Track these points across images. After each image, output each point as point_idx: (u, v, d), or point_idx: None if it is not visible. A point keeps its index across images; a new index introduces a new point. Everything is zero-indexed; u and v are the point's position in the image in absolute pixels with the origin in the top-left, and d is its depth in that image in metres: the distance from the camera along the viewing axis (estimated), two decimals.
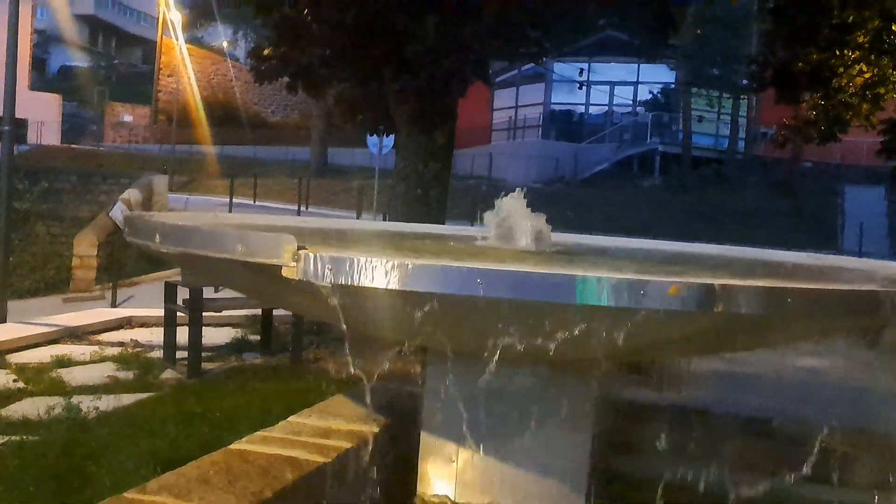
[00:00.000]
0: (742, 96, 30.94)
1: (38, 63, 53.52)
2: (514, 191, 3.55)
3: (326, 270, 2.02)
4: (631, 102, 33.07)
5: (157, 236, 2.30)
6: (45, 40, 57.32)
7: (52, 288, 14.46)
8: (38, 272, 14.48)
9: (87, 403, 4.74)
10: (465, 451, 3.06)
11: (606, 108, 33.38)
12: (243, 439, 3.11)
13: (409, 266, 2.02)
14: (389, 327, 2.30)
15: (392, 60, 6.43)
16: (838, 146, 27.17)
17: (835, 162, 29.30)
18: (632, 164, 30.61)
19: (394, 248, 3.10)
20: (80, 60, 56.13)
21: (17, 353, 6.45)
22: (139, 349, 6.73)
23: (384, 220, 12.13)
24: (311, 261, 2.03)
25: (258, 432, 3.16)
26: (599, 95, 33.39)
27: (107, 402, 4.81)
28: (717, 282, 2.11)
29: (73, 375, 5.70)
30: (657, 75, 32.12)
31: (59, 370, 5.88)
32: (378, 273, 2.00)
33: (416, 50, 6.15)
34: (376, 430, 3.34)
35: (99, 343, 7.00)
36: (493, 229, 3.42)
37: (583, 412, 3.15)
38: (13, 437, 4.04)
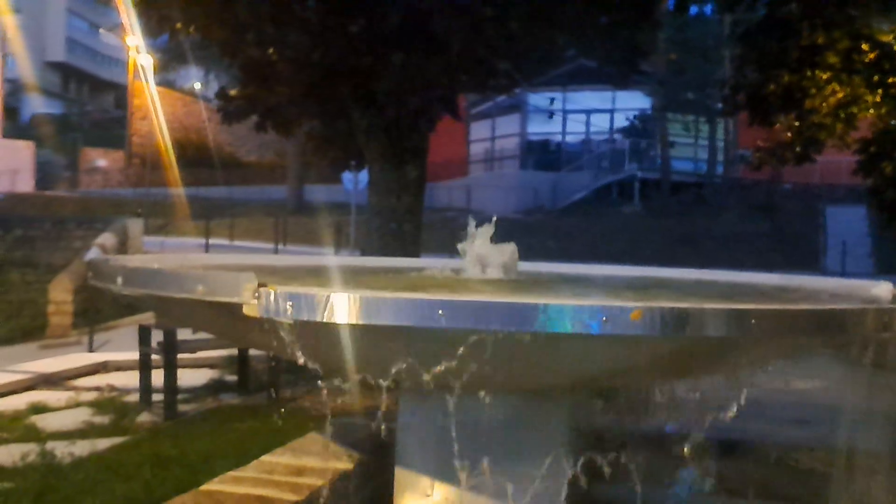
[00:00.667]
0: (719, 120, 31.34)
1: (10, 112, 53.38)
2: (484, 222, 3.57)
3: (287, 306, 2.02)
4: (608, 130, 33.40)
5: (120, 279, 2.29)
6: (17, 89, 57.26)
7: (28, 335, 14.24)
8: (14, 320, 14.28)
9: (61, 449, 4.68)
10: (440, 485, 3.04)
11: (583, 136, 33.68)
12: (215, 479, 3.08)
13: (369, 299, 2.02)
14: (353, 362, 2.29)
15: (359, 98, 6.48)
16: (817, 166, 27.53)
17: (815, 182, 29.65)
18: (611, 191, 30.82)
19: (358, 283, 3.10)
20: (52, 108, 56.09)
21: None
22: (115, 393, 6.66)
23: (361, 255, 12.12)
24: (271, 298, 2.03)
25: (230, 472, 3.12)
26: (576, 124, 33.74)
27: (81, 447, 4.77)
28: (679, 305, 2.12)
29: (48, 422, 5.63)
30: (633, 102, 32.47)
31: (34, 417, 5.81)
32: (339, 307, 2.00)
33: (382, 88, 6.20)
34: (350, 466, 3.32)
35: (75, 388, 6.93)
36: (462, 260, 3.44)
37: (558, 440, 3.14)
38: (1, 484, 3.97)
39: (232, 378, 6.98)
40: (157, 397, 6.11)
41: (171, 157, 37.00)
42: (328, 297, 2.01)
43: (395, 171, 6.78)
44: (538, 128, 33.12)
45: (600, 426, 3.89)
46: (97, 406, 6.11)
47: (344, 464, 3.27)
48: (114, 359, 8.13)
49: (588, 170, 31.86)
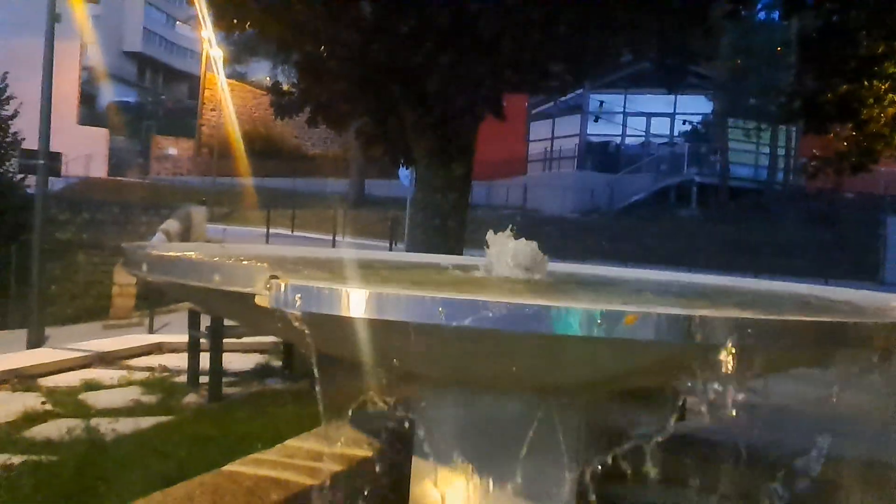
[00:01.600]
0: (781, 127, 30.70)
1: (88, 99, 55.37)
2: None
3: (296, 298, 2.15)
4: (668, 133, 32.99)
5: (145, 266, 2.45)
6: (95, 76, 59.38)
7: (92, 315, 14.85)
8: (79, 300, 14.91)
9: (106, 426, 4.92)
10: (454, 476, 3.14)
11: (643, 138, 33.34)
12: (237, 461, 3.24)
13: (371, 294, 2.13)
14: (358, 353, 2.41)
15: (409, 96, 6.62)
16: (880, 176, 26.80)
17: (877, 192, 28.83)
18: (669, 194, 30.45)
19: (380, 278, 3.22)
20: (128, 96, 58.00)
21: (49, 377, 6.68)
22: (166, 374, 6.91)
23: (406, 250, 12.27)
24: (282, 289, 2.16)
25: (252, 455, 3.28)
26: (637, 126, 33.41)
27: (125, 425, 4.99)
28: (671, 311, 2.18)
29: (99, 399, 5.89)
30: (695, 106, 32.03)
31: (86, 394, 6.08)
32: (343, 301, 2.12)
33: (430, 86, 6.32)
34: (370, 454, 3.44)
35: (129, 368, 7.19)
36: (487, 259, 3.52)
37: (572, 438, 3.21)
38: (33, 457, 4.22)
39: (279, 363, 7.19)
40: (204, 379, 6.33)
41: (239, 147, 37.95)
42: (333, 290, 2.14)
43: (441, 168, 6.91)
44: (598, 129, 32.91)
45: (618, 426, 3.94)
46: (147, 386, 6.36)
47: (364, 451, 3.39)
48: (169, 341, 8.42)
49: (647, 172, 31.55)
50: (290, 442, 3.51)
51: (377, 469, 3.44)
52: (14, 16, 34.38)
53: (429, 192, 7.00)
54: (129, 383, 6.50)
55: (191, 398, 6.05)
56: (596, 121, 30.73)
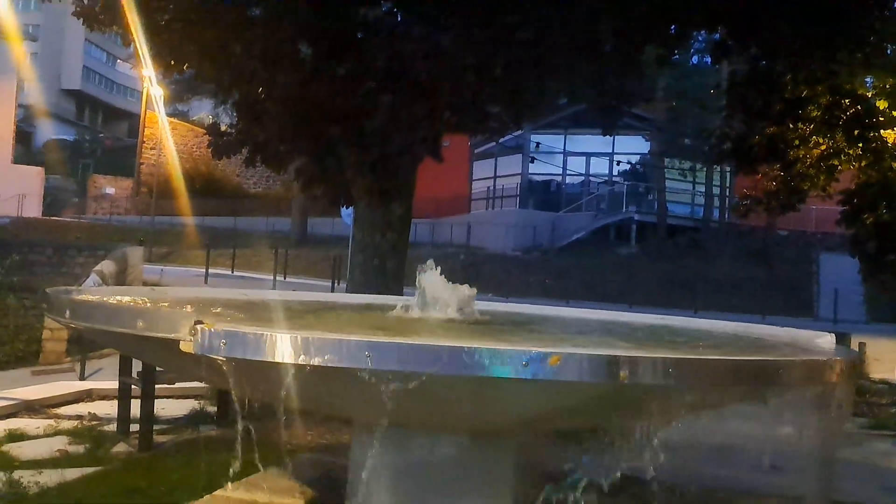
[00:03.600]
0: (716, 167, 31.69)
1: (24, 136, 54.18)
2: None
3: (220, 344, 2.12)
4: (607, 173, 33.73)
5: (67, 312, 2.39)
6: (32, 114, 58.18)
7: (22, 360, 14.29)
8: (9, 345, 14.33)
9: (28, 479, 4.72)
10: None
11: (583, 178, 34.02)
12: None
13: (299, 339, 2.12)
14: (286, 398, 2.38)
15: (347, 136, 6.65)
16: (812, 214, 27.78)
17: (810, 230, 29.84)
18: (609, 232, 31.05)
19: (315, 321, 3.20)
20: (66, 134, 56.90)
21: None
22: (95, 422, 6.68)
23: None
24: (207, 335, 2.13)
25: None
26: (577, 166, 34.07)
27: (50, 477, 4.79)
28: (589, 352, 2.21)
29: (23, 450, 5.64)
30: (633, 146, 32.85)
31: (9, 444, 5.83)
32: (269, 346, 2.10)
33: (368, 127, 6.37)
34: (301, 502, 3.39)
35: (56, 416, 6.93)
36: (417, 299, 3.53)
37: (502, 480, 3.21)
38: None
39: (214, 409, 7.02)
40: (135, 427, 6.14)
41: (179, 186, 37.43)
42: (261, 336, 2.12)
43: (380, 208, 6.93)
44: (539, 168, 33.48)
45: (553, 467, 3.95)
46: (75, 435, 6.12)
47: (296, 500, 3.34)
48: (100, 387, 8.14)
49: (587, 211, 32.16)
50: (219, 492, 3.44)
51: None
52: None
53: (368, 231, 7.00)
54: (57, 433, 6.25)
55: (120, 447, 5.85)
56: (532, 161, 31.35)
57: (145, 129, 42.57)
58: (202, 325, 2.15)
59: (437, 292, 3.57)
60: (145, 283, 17.61)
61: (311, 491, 3.40)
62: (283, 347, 2.14)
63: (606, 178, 33.53)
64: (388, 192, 6.85)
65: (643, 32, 7.05)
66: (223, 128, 7.38)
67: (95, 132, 61.67)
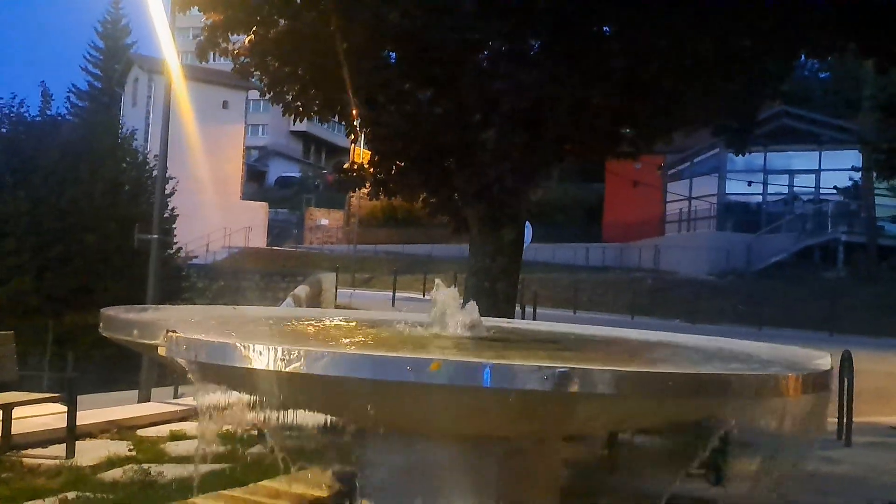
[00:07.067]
0: None
1: (258, 175, 60.45)
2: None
3: (183, 350, 2.67)
4: (813, 191, 31.54)
5: (101, 325, 3.07)
6: (266, 154, 64.59)
7: None
8: None
9: (170, 471, 5.59)
10: None
11: (785, 197, 32.05)
12: (211, 494, 3.78)
13: (239, 346, 2.62)
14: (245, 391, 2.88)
15: (461, 167, 7.15)
16: None
17: None
18: (812, 254, 28.94)
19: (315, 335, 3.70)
20: (293, 171, 62.63)
21: (146, 429, 7.54)
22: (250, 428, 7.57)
23: None
24: (174, 342, 2.69)
25: (224, 491, 3.82)
26: (779, 184, 32.23)
27: (183, 470, 5.61)
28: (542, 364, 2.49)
29: (178, 448, 6.63)
30: (841, 162, 30.45)
31: (167, 443, 6.83)
32: (208, 353, 2.62)
33: (478, 159, 6.82)
34: (324, 494, 3.88)
35: None
36: (430, 318, 3.92)
37: (488, 483, 3.51)
38: (87, 494, 4.93)
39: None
40: None
41: (381, 216, 39.81)
42: (210, 343, 2.64)
43: (491, 234, 7.34)
44: (737, 188, 31.95)
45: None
46: (225, 438, 6.99)
47: (321, 492, 3.84)
48: None
49: (788, 232, 30.19)
50: (265, 482, 4.01)
51: None
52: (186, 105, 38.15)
53: (480, 256, 7.42)
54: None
55: (256, 449, 6.65)
56: (749, 185, 30.00)
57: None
58: (172, 334, 2.71)
59: (449, 311, 3.92)
60: (337, 306, 19.17)
61: (339, 485, 3.86)
62: (232, 354, 2.64)
63: (812, 197, 31.36)
64: (498, 219, 7.23)
65: (791, 42, 6.88)
66: (346, 165, 8.16)
67: (318, 168, 66.82)
